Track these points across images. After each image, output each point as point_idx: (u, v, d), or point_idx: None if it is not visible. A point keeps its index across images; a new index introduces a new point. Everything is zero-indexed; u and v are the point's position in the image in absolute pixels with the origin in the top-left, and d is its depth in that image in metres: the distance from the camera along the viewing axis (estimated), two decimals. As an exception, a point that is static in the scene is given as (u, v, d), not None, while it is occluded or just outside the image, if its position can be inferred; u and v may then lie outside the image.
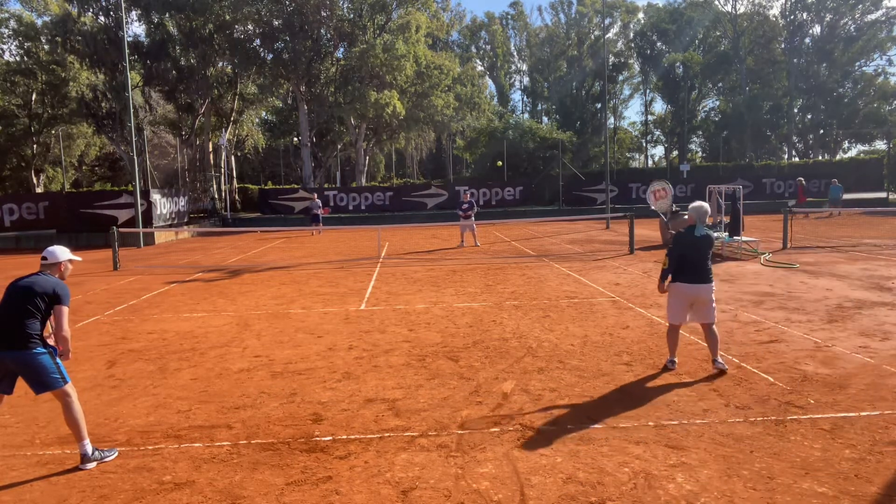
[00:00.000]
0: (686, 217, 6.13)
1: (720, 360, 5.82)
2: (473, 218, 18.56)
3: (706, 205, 5.91)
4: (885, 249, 14.86)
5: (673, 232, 6.44)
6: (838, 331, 7.25)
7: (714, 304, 5.81)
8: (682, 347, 6.71)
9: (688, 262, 5.72)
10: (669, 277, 5.86)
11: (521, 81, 66.67)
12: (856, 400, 5.03)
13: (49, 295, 4.15)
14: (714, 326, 5.83)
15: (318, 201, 25.10)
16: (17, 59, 36.05)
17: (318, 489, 3.80)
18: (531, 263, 14.15)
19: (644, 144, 64.93)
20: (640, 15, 57.20)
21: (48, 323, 4.25)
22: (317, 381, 5.93)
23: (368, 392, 5.56)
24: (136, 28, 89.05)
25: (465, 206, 18.46)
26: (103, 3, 30.26)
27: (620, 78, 58.23)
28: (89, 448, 4.22)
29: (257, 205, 33.13)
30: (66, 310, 4.20)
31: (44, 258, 4.38)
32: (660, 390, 5.38)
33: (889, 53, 47.86)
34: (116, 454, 4.35)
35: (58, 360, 4.20)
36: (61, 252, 4.41)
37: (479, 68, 60.05)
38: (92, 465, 4.19)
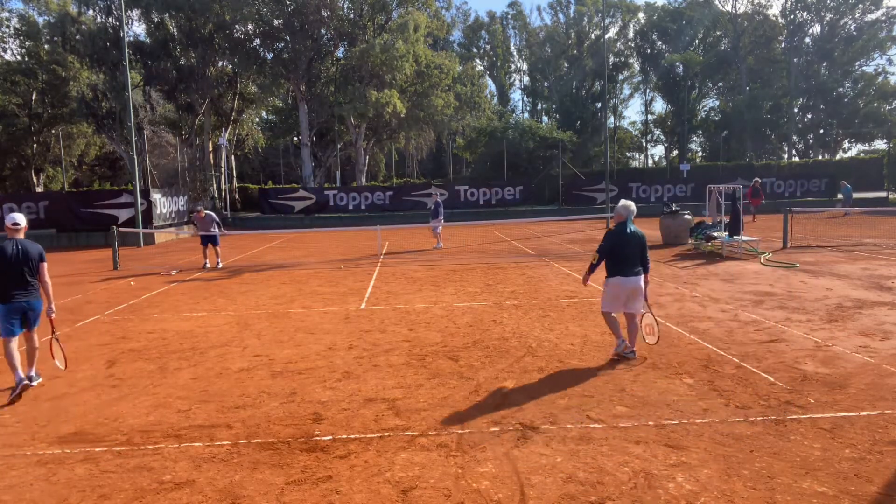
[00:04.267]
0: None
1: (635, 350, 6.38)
2: (441, 219, 18.52)
3: (632, 203, 6.47)
4: (885, 249, 14.86)
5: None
6: (838, 330, 7.24)
7: (644, 297, 6.46)
8: (682, 347, 6.72)
9: (620, 256, 6.32)
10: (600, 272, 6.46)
11: (521, 81, 66.63)
12: (856, 399, 5.03)
13: (38, 255, 5.57)
14: (637, 318, 6.46)
15: (210, 213, 14.99)
16: (18, 58, 36.07)
17: (318, 488, 3.80)
18: (531, 263, 14.14)
19: (644, 144, 64.91)
20: (640, 14, 57.15)
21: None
22: (317, 380, 5.93)
23: (368, 391, 5.56)
24: (136, 28, 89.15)
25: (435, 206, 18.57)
26: (104, 3, 30.27)
27: (620, 77, 58.19)
28: (34, 372, 5.80)
29: (257, 204, 33.15)
30: (46, 265, 5.75)
31: (16, 224, 5.52)
32: (660, 390, 5.38)
33: (889, 53, 47.86)
34: (41, 380, 5.92)
35: None
36: (23, 217, 5.69)
37: (479, 68, 60.00)
38: (35, 384, 5.75)
